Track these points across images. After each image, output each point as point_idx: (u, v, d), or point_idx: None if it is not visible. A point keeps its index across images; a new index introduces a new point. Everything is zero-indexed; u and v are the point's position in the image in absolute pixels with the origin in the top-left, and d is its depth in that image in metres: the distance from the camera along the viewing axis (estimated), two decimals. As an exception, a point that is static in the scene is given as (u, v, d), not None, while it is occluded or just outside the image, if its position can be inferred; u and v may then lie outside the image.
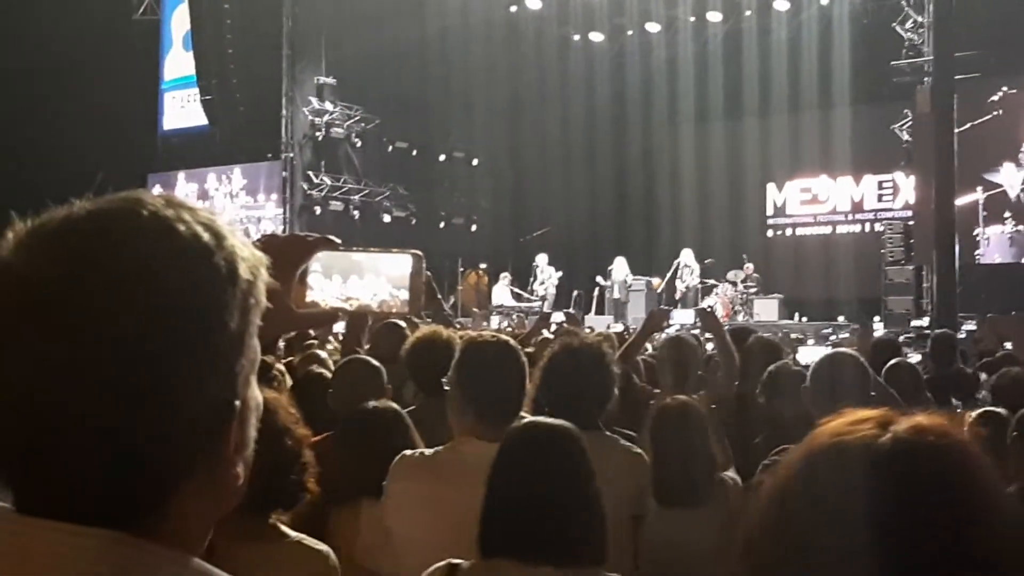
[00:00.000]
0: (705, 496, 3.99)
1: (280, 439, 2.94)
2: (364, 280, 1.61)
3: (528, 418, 2.98)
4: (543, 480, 2.56)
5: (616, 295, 22.06)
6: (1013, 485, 3.76)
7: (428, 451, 3.47)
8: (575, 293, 22.28)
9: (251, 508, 2.86)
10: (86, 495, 0.99)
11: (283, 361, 6.58)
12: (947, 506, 1.13)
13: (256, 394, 1.13)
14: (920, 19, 20.35)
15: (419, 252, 1.67)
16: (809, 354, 5.48)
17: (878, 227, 23.66)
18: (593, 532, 2.57)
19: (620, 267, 22.29)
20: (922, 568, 1.11)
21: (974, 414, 4.37)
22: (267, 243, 1.34)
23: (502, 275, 23.65)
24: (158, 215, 1.04)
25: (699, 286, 22.08)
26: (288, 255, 1.46)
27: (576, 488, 2.58)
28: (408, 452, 3.46)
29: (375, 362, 4.43)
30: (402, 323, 6.06)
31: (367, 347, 6.35)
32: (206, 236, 1.04)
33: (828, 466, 1.19)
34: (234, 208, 25.26)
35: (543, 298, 22.33)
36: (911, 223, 21.15)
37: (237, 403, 1.07)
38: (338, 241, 1.55)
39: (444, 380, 3.54)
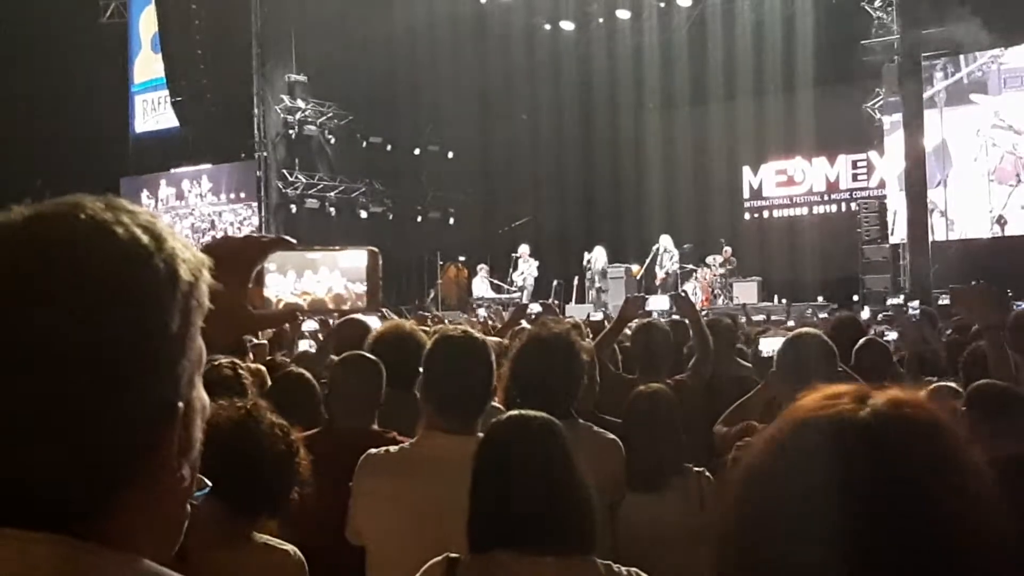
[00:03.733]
0: (673, 482, 4.01)
1: (261, 446, 2.95)
2: (318, 275, 1.61)
3: (508, 411, 2.98)
4: (533, 472, 2.57)
5: (597, 284, 22.07)
6: None
7: (393, 448, 3.47)
8: (555, 283, 22.28)
9: (233, 515, 2.87)
10: (29, 499, 0.99)
11: (266, 359, 6.55)
12: (929, 476, 1.14)
13: (202, 395, 1.13)
14: (889, -3, 20.41)
15: (375, 248, 1.66)
16: (771, 344, 5.47)
17: (853, 206, 23.73)
18: (584, 520, 2.58)
19: (599, 256, 22.31)
20: (904, 538, 1.11)
21: (927, 389, 4.38)
22: (221, 245, 1.36)
23: (480, 267, 23.63)
24: (96, 219, 1.03)
25: (679, 271, 22.10)
26: (243, 256, 1.46)
27: (565, 477, 2.59)
28: (373, 450, 3.46)
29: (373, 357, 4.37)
30: (364, 319, 6.02)
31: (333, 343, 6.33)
32: (145, 239, 1.04)
33: (807, 442, 1.19)
34: (207, 207, 25.20)
35: (522, 289, 22.32)
36: (886, 201, 21.30)
37: (180, 405, 1.06)
38: (293, 241, 1.54)
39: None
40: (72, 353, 0.98)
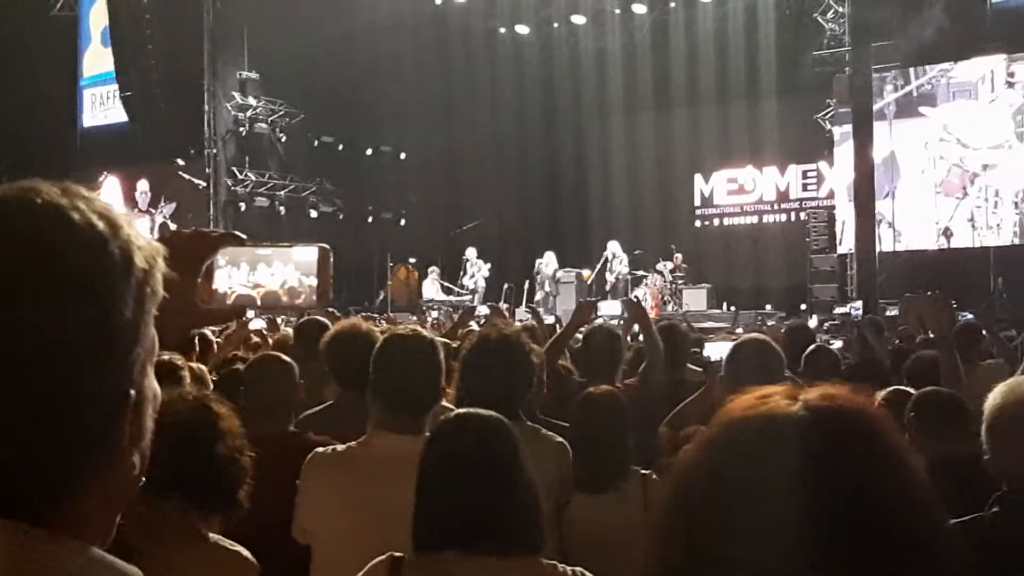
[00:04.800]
0: (618, 483, 4.02)
1: (214, 441, 2.89)
2: (272, 268, 1.60)
3: (456, 410, 2.96)
4: (479, 471, 2.55)
5: (547, 289, 22.12)
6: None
7: (340, 446, 3.43)
8: (506, 286, 22.29)
9: (178, 509, 2.81)
10: None
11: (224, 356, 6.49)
12: (863, 466, 1.16)
13: (154, 384, 1.13)
14: (840, 9, 20.64)
15: (326, 245, 1.66)
16: (716, 349, 5.52)
17: (803, 216, 23.96)
18: (530, 520, 2.56)
19: (550, 261, 22.37)
20: (841, 530, 1.11)
21: (880, 394, 4.44)
22: (171, 239, 1.35)
23: (431, 269, 23.59)
24: (52, 203, 1.03)
25: (629, 277, 22.19)
26: (193, 251, 1.46)
27: (512, 477, 2.57)
28: (320, 449, 3.43)
29: (286, 358, 4.35)
30: (325, 319, 5.98)
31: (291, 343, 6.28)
32: (101, 225, 1.04)
33: (742, 439, 1.20)
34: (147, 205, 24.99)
35: (473, 292, 22.33)
36: (834, 211, 21.54)
37: (132, 392, 1.06)
38: (243, 237, 1.53)
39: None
40: (24, 339, 0.98)
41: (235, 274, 1.57)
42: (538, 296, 22.06)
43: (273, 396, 4.09)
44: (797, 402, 1.20)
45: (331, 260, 1.65)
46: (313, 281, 1.63)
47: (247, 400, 4.14)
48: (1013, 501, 2.95)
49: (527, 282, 22.60)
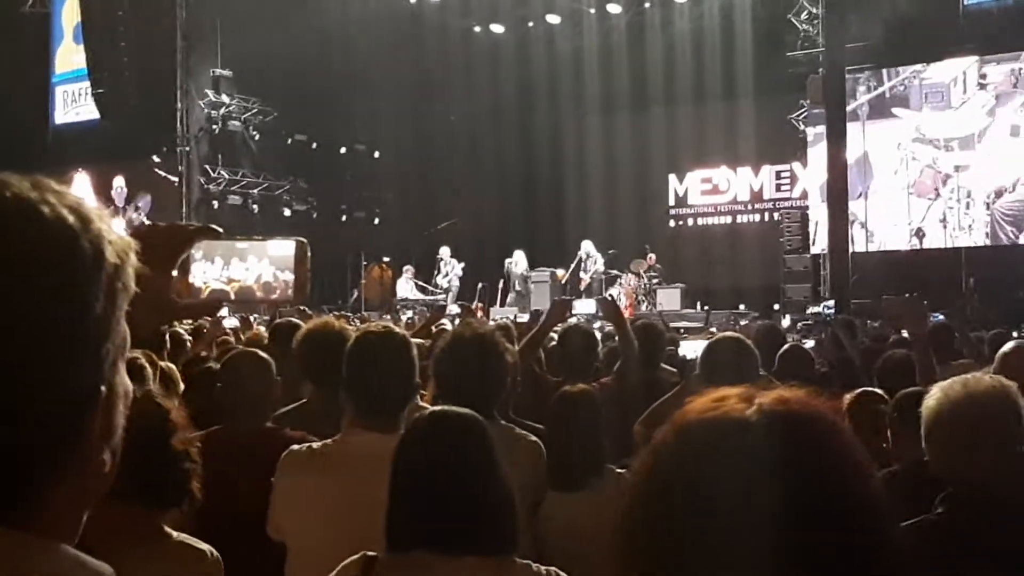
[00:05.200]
0: (593, 481, 4.02)
1: (169, 437, 2.89)
2: (247, 263, 1.59)
3: (430, 407, 2.95)
4: (452, 469, 2.53)
5: (517, 288, 22.13)
6: (894, 465, 3.84)
7: (316, 444, 3.42)
8: (480, 285, 22.26)
9: (138, 507, 2.80)
10: None
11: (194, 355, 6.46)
12: (816, 468, 1.16)
13: (125, 380, 1.12)
14: (815, 10, 20.74)
15: (303, 239, 1.64)
16: (691, 348, 5.55)
17: (776, 216, 24.06)
18: (504, 519, 2.55)
19: (520, 260, 22.38)
20: (795, 532, 1.11)
21: (850, 395, 4.47)
22: (147, 233, 1.34)
23: (405, 268, 23.53)
24: (22, 196, 1.02)
25: (603, 277, 22.21)
26: (168, 244, 1.45)
27: (485, 475, 2.56)
28: (295, 447, 3.42)
29: (264, 355, 4.33)
30: (298, 320, 5.97)
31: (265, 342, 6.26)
32: (71, 219, 1.03)
33: (695, 444, 1.20)
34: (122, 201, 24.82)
35: (447, 291, 22.30)
36: (808, 211, 21.66)
37: (103, 388, 1.05)
38: (219, 230, 1.52)
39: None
40: None
41: (209, 269, 1.56)
42: (510, 297, 22.05)
43: (250, 393, 4.07)
44: (752, 406, 1.20)
45: (308, 254, 1.64)
46: (289, 276, 1.62)
47: (223, 397, 4.12)
48: (956, 502, 2.98)
49: (501, 281, 22.60)
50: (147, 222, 20.79)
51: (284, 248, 1.63)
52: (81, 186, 24.91)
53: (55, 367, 1.00)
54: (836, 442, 1.20)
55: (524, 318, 14.97)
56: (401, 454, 2.61)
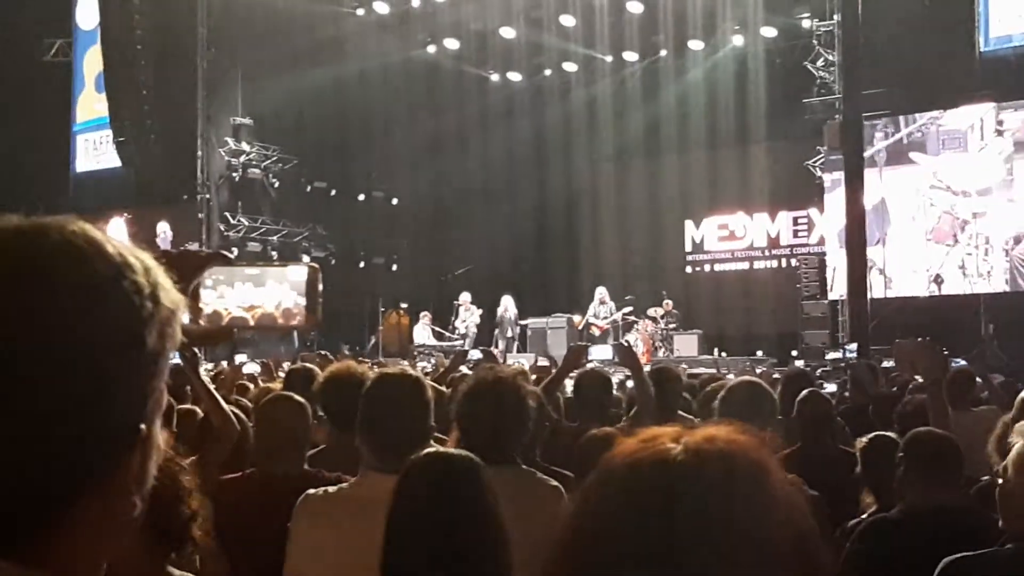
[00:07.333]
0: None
1: (177, 480, 2.89)
2: (267, 287, 1.60)
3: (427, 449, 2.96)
4: (441, 510, 2.54)
5: (508, 333, 22.17)
6: (898, 504, 3.83)
7: (332, 488, 3.41)
8: (496, 331, 22.26)
9: (151, 548, 2.79)
10: None
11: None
12: (741, 507, 1.14)
13: (158, 433, 1.09)
14: (831, 57, 20.83)
15: (315, 264, 1.65)
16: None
17: (793, 262, 24.01)
18: (495, 560, 2.54)
19: (508, 306, 22.52)
20: (717, 572, 1.11)
21: (864, 439, 4.46)
22: (159, 259, 1.33)
23: (422, 314, 23.55)
24: (88, 235, 1.04)
25: (620, 323, 22.19)
26: (181, 270, 1.44)
27: (477, 517, 2.55)
28: (311, 491, 3.41)
29: (299, 398, 4.32)
30: (313, 366, 5.98)
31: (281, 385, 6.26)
32: (132, 259, 1.05)
33: (618, 484, 1.19)
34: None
35: (464, 336, 22.28)
36: (825, 257, 21.60)
37: (143, 427, 1.03)
38: (231, 255, 1.53)
39: None
40: (53, 357, 0.96)
41: (229, 294, 1.56)
42: (501, 345, 21.94)
43: (286, 436, 4.06)
44: (679, 444, 1.19)
45: (320, 277, 1.64)
46: (303, 300, 1.63)
47: (257, 440, 4.12)
48: None
49: (516, 327, 22.58)
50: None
51: (300, 274, 1.64)
52: (116, 230, 25.02)
53: (105, 395, 0.99)
54: (762, 478, 1.18)
55: (544, 362, 14.98)
56: (394, 496, 2.62)
